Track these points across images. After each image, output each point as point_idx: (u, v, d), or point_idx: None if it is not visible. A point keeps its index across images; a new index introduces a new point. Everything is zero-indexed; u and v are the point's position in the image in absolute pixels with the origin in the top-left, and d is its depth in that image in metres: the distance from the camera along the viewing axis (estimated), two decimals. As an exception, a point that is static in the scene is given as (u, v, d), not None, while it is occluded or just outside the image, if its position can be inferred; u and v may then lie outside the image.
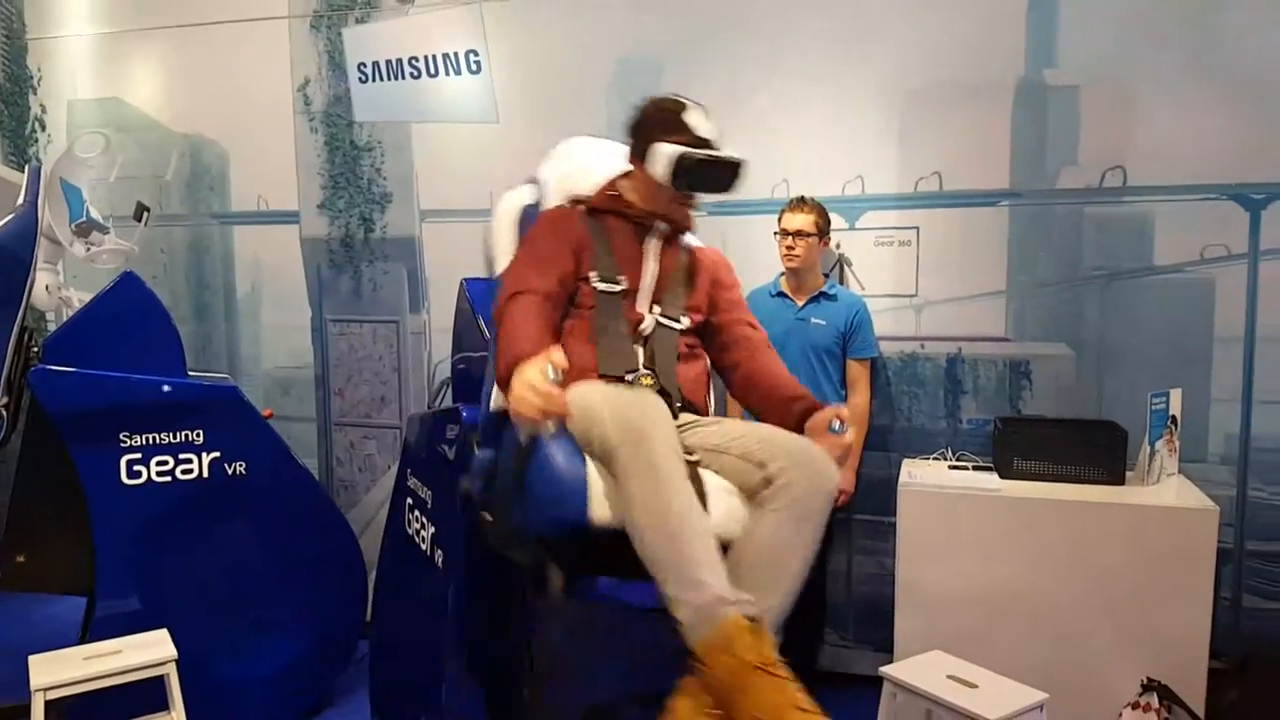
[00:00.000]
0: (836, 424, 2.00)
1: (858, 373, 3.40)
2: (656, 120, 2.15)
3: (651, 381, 2.08)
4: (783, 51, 3.57)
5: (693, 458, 1.92)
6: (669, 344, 2.16)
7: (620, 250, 2.18)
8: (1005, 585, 2.97)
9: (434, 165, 4.02)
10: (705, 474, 1.91)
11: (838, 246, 3.55)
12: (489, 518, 2.08)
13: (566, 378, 1.93)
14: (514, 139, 3.84)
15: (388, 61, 3.99)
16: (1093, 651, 2.89)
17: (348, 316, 4.21)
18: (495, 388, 2.06)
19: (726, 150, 2.14)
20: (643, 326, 2.14)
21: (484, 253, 2.38)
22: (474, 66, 3.89)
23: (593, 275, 2.12)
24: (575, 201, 2.25)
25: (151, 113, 4.38)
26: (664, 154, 2.08)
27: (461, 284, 2.84)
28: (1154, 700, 2.81)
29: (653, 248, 2.21)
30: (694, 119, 2.13)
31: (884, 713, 2.64)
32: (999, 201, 3.43)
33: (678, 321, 2.19)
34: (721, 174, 2.12)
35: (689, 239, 2.34)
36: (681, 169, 2.07)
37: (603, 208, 2.22)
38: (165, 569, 3.13)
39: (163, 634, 2.85)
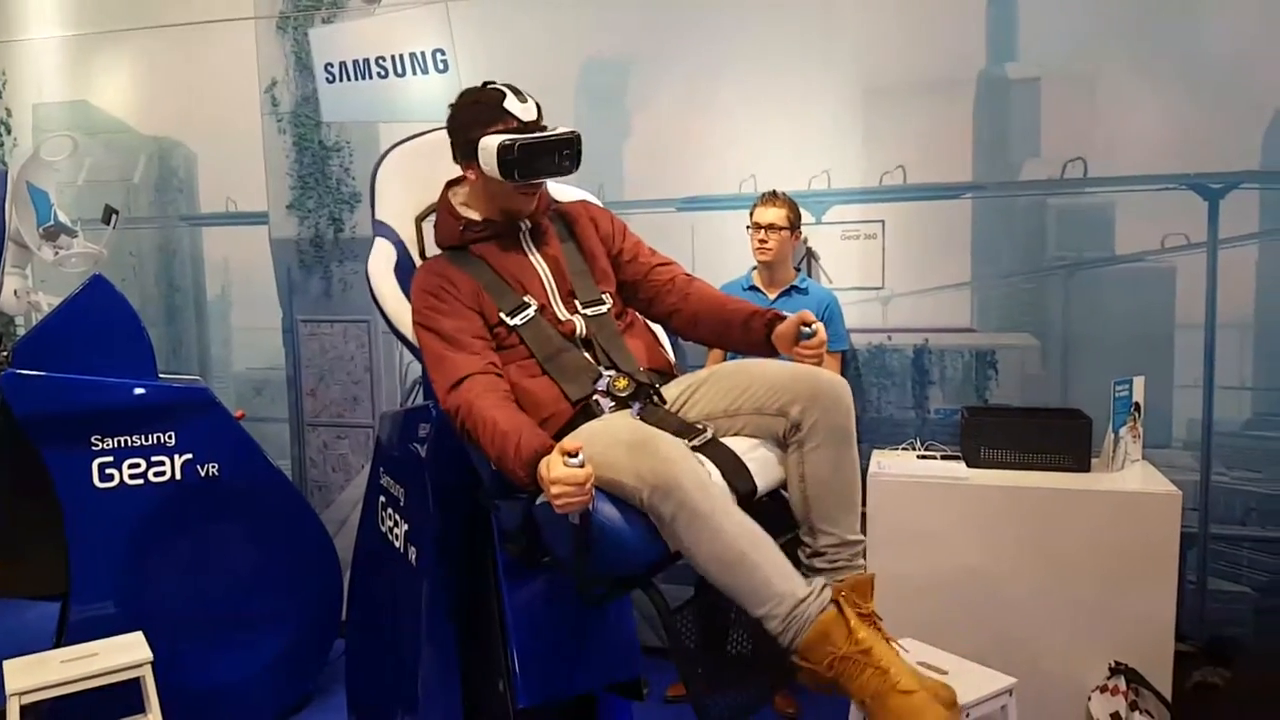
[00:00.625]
0: (805, 329, 1.99)
1: (829, 366, 3.42)
2: (474, 115, 2.05)
3: (625, 383, 2.02)
4: (747, 49, 3.59)
5: (708, 434, 1.93)
6: (609, 332, 2.11)
7: (507, 271, 2.11)
8: (974, 572, 3.01)
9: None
10: (728, 441, 1.92)
11: (805, 241, 3.58)
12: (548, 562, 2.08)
13: (539, 415, 1.96)
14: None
15: (355, 62, 3.98)
16: (1061, 636, 2.94)
17: (319, 317, 4.20)
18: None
19: (557, 127, 2.05)
20: (577, 332, 2.09)
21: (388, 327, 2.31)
22: (441, 65, 3.89)
23: (502, 315, 2.05)
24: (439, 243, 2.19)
25: (119, 115, 4.35)
26: (490, 149, 1.98)
27: None
28: (1121, 683, 2.85)
29: (530, 246, 2.15)
30: (514, 105, 2.02)
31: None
32: (963, 194, 3.47)
33: (602, 304, 2.14)
34: (553, 154, 2.02)
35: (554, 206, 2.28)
36: (510, 159, 1.97)
37: (461, 243, 2.14)
38: (140, 571, 3.12)
39: (138, 636, 2.84)
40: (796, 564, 1.86)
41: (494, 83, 2.09)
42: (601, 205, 2.43)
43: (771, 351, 2.09)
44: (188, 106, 4.24)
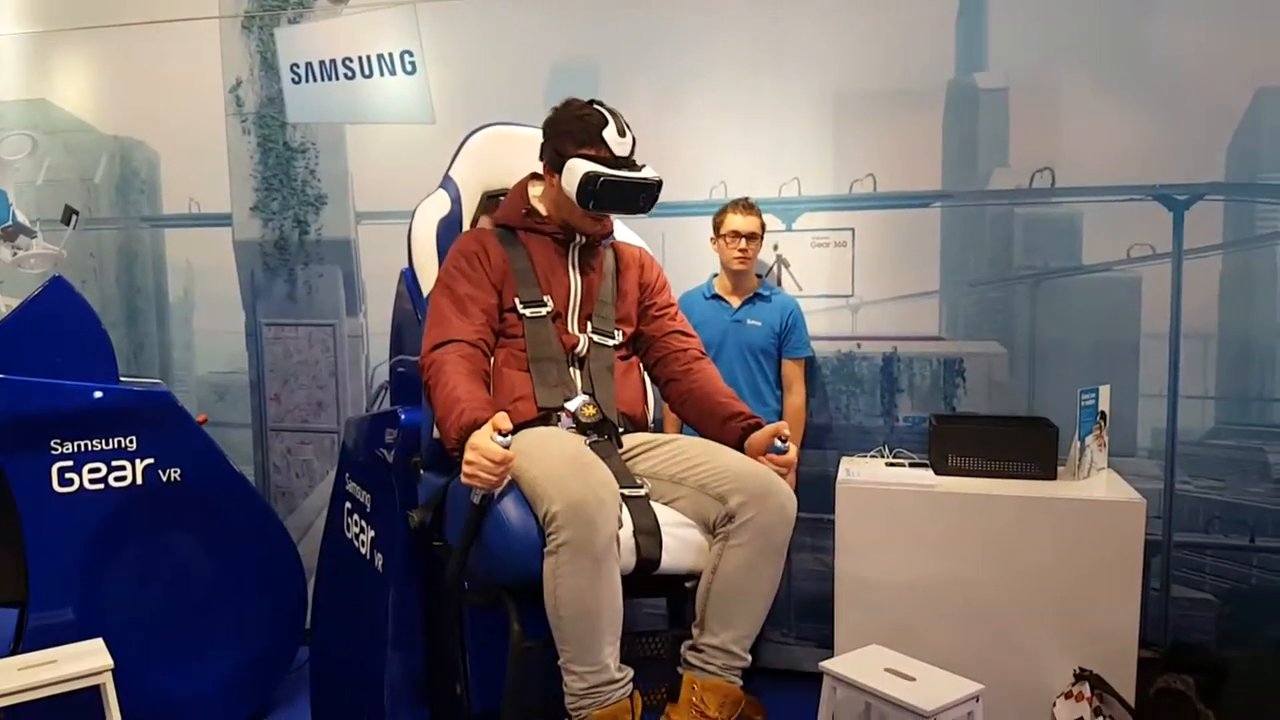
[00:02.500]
0: (778, 443, 2.00)
1: (793, 372, 3.44)
2: (573, 131, 2.09)
3: (593, 411, 2.04)
4: (719, 55, 3.60)
5: (642, 491, 1.93)
6: (605, 364, 2.14)
7: (541, 268, 2.14)
8: (941, 579, 3.02)
9: (369, 166, 3.97)
10: (658, 508, 1.92)
11: (775, 248, 3.58)
12: (439, 548, 2.09)
13: (507, 404, 1.97)
14: (450, 140, 3.76)
15: (321, 62, 3.94)
16: (1026, 642, 2.95)
17: (283, 320, 4.15)
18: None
19: (645, 168, 2.10)
20: (577, 350, 2.12)
21: (409, 266, 2.36)
22: (409, 67, 3.86)
23: (518, 303, 2.09)
24: (489, 212, 2.22)
25: (79, 114, 4.27)
26: (576, 172, 2.02)
27: (401, 275, 2.81)
28: (1086, 689, 2.87)
29: (575, 260, 2.18)
30: (611, 136, 2.06)
31: (824, 707, 2.67)
32: (932, 203, 3.49)
33: (611, 338, 2.17)
34: (634, 196, 2.07)
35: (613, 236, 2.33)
36: (591, 190, 2.01)
37: (517, 225, 2.18)
38: (100, 577, 3.07)
39: (98, 644, 2.79)
40: (673, 654, 1.90)
41: (601, 104, 2.14)
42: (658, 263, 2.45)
43: (740, 450, 2.09)
44: (150, 106, 4.18)
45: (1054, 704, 2.89)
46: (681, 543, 1.90)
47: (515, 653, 1.83)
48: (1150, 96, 3.28)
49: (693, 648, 1.90)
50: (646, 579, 1.90)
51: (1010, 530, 2.97)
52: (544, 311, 2.10)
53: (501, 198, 2.38)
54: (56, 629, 2.92)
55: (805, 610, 3.69)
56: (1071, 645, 2.92)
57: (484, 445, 1.73)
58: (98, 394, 3.05)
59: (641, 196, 2.08)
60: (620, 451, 2.06)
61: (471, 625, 2.13)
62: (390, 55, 3.88)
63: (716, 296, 3.44)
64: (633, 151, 2.11)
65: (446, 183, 2.43)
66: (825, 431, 3.62)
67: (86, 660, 2.68)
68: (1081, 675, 2.89)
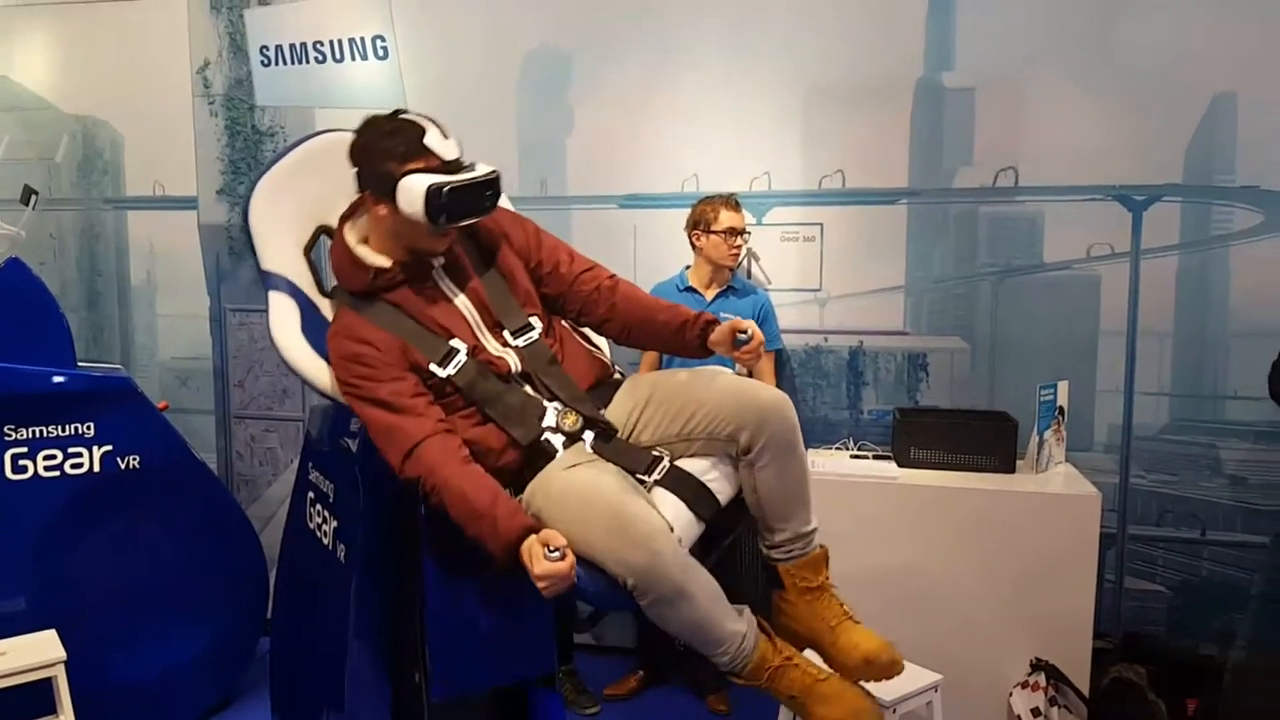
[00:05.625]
0: (742, 335, 1.98)
1: (763, 365, 3.45)
2: (393, 149, 1.87)
3: (573, 419, 1.99)
4: (691, 48, 3.61)
5: (665, 463, 1.99)
6: (544, 359, 2.04)
7: (427, 317, 1.99)
8: (902, 570, 3.06)
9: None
10: (685, 464, 1.99)
11: (747, 241, 3.61)
12: None
13: (492, 467, 1.94)
14: (422, 127, 3.79)
15: (291, 45, 3.90)
16: (985, 633, 3.00)
17: (249, 306, 4.11)
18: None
19: (476, 165, 1.92)
20: (513, 370, 2.01)
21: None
22: (381, 52, 3.83)
23: (433, 367, 1.95)
24: (351, 292, 2.03)
25: (41, 92, 4.19)
26: (416, 190, 1.82)
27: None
28: (1042, 679, 2.92)
29: (447, 285, 2.03)
30: (436, 142, 1.87)
31: (786, 697, 2.70)
32: (899, 200, 3.53)
33: (531, 329, 2.06)
34: (481, 197, 1.90)
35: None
36: (439, 203, 1.83)
37: (369, 291, 1.99)
38: (54, 567, 3.03)
39: (51, 635, 2.76)
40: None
41: (406, 112, 1.95)
42: (510, 209, 2.25)
43: (707, 354, 2.09)
44: (115, 85, 4.11)
45: (1010, 693, 2.95)
46: (722, 480, 1.99)
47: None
48: (1112, 100, 3.34)
49: (770, 548, 2.02)
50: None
51: (970, 522, 3.02)
52: (461, 358, 1.97)
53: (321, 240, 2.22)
54: (8, 619, 2.88)
55: (770, 602, 3.72)
56: (1028, 636, 2.98)
57: (548, 570, 1.74)
58: (55, 379, 3.01)
59: (487, 195, 1.91)
60: (620, 436, 2.05)
61: (434, 617, 2.12)
62: (362, 39, 3.85)
63: (690, 289, 3.45)
64: (461, 153, 1.93)
65: (269, 280, 2.23)
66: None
67: (38, 652, 2.65)
68: (1038, 665, 2.94)
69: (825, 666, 1.96)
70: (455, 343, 1.98)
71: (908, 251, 3.55)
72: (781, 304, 3.56)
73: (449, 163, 1.88)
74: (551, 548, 1.74)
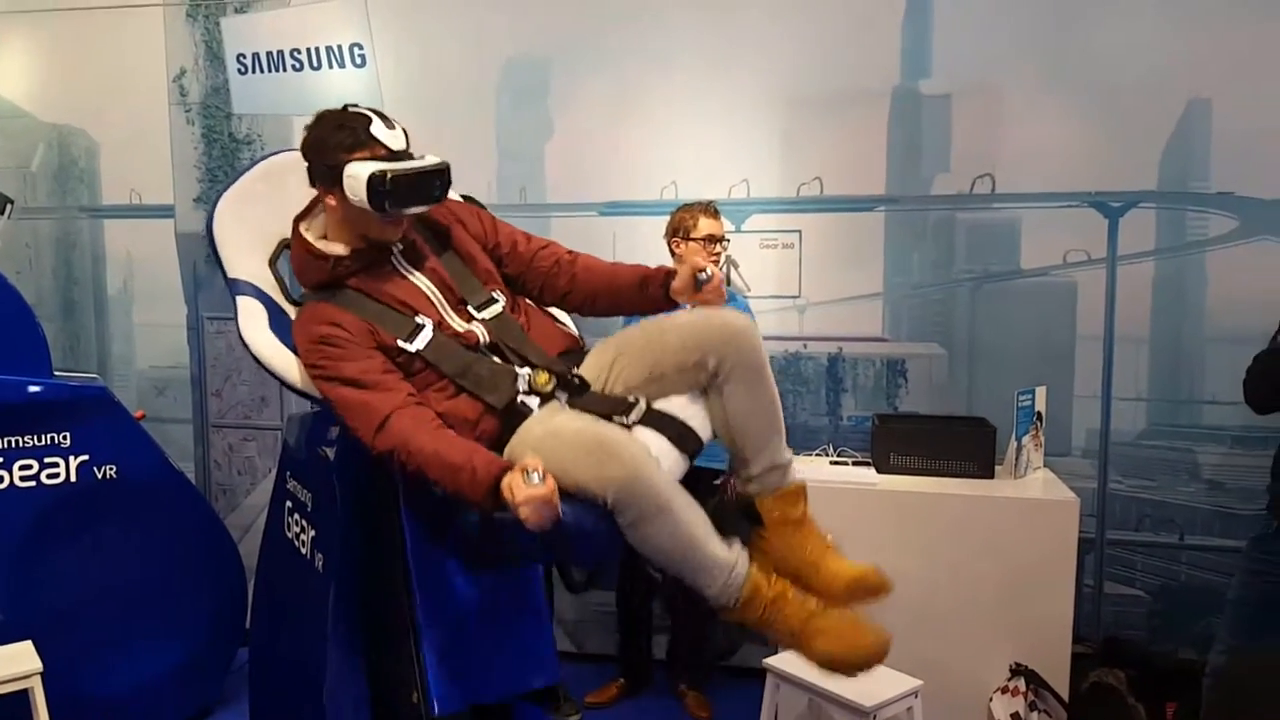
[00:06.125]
0: (701, 275, 1.99)
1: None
2: (340, 140, 1.92)
3: (546, 378, 1.99)
4: (670, 56, 3.62)
5: (641, 405, 1.94)
6: (512, 329, 2.07)
7: (390, 298, 2.01)
8: (882, 576, 3.06)
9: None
10: (662, 405, 1.95)
11: (726, 248, 3.61)
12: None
13: (471, 437, 1.93)
14: (400, 136, 3.79)
15: (269, 53, 3.88)
16: (965, 638, 3.01)
17: (226, 314, 4.03)
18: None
19: (425, 157, 1.96)
20: (481, 341, 2.03)
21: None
22: (359, 60, 3.82)
23: (399, 343, 1.97)
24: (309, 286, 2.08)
25: (16, 100, 4.16)
26: (359, 177, 1.87)
27: None
28: (1022, 684, 2.94)
29: (406, 267, 2.06)
30: (381, 131, 1.92)
31: (767, 703, 2.71)
32: (877, 207, 3.55)
33: (495, 303, 2.08)
34: (426, 184, 1.94)
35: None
36: (382, 189, 1.87)
37: (331, 282, 2.02)
38: (30, 577, 3.00)
39: (27, 646, 2.73)
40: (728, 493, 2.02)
41: (357, 106, 1.99)
42: (460, 199, 2.30)
43: (672, 306, 2.09)
44: (91, 93, 4.08)
45: (990, 699, 2.96)
46: (699, 416, 1.95)
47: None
48: (1088, 107, 3.37)
49: (748, 481, 1.97)
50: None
51: (949, 528, 3.03)
52: (428, 333, 1.98)
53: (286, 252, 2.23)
54: (-15, 630, 2.84)
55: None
56: (1008, 641, 2.99)
57: (530, 492, 1.69)
58: (31, 388, 2.98)
59: (435, 184, 1.96)
60: (594, 391, 2.03)
61: (428, 628, 2.10)
62: (340, 47, 3.83)
63: (670, 296, 3.45)
64: (408, 144, 1.96)
65: (236, 287, 2.27)
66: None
67: (14, 664, 2.62)
68: (1017, 670, 2.96)
69: (817, 601, 1.90)
70: (421, 319, 1.99)
71: (886, 258, 3.56)
72: (761, 311, 3.56)
73: (395, 152, 1.92)
74: (530, 470, 1.70)
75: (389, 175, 1.87)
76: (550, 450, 1.82)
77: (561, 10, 3.72)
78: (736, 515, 1.98)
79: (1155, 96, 3.29)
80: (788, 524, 1.95)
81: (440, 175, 1.95)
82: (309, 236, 2.06)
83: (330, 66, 3.85)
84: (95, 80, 4.07)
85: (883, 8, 3.47)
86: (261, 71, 3.91)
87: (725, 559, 1.81)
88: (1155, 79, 3.28)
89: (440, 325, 2.01)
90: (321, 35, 3.85)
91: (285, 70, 3.89)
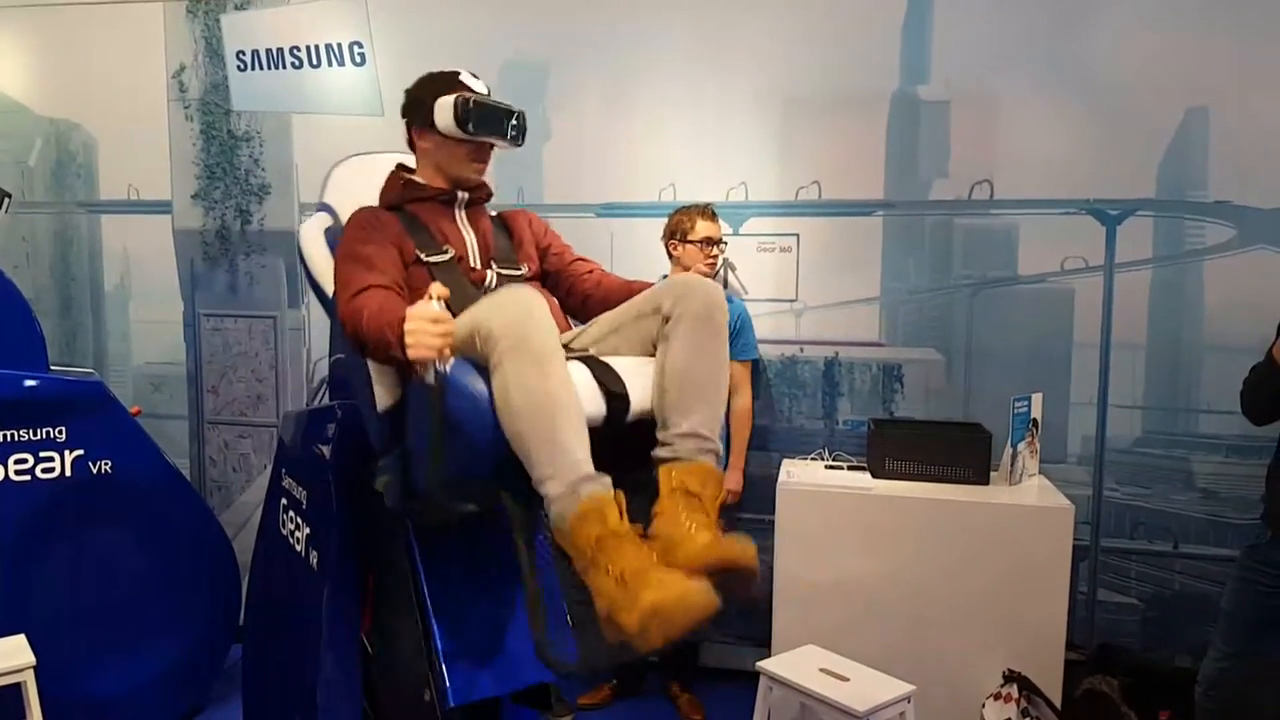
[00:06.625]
0: None
1: (740, 374, 3.46)
2: (431, 86, 2.17)
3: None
4: (669, 59, 3.62)
5: (589, 352, 1.95)
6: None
7: (434, 225, 2.17)
8: (876, 580, 3.07)
9: (315, 157, 3.92)
10: (610, 360, 1.91)
11: (724, 251, 3.62)
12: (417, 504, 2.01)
13: None
14: (398, 133, 3.75)
15: (268, 50, 3.89)
16: (958, 644, 3.02)
17: (223, 311, 4.08)
18: (381, 388, 2.03)
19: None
20: (488, 283, 2.13)
21: (309, 283, 2.34)
22: (358, 58, 3.82)
23: (420, 254, 2.09)
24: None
25: (14, 95, 4.16)
26: (447, 103, 2.10)
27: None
28: (1014, 691, 2.93)
29: (462, 217, 2.21)
30: (468, 79, 2.18)
31: (760, 706, 2.70)
32: (874, 211, 3.55)
33: (518, 270, 2.20)
34: (504, 120, 2.17)
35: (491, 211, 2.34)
36: (466, 111, 2.09)
37: (399, 201, 2.20)
38: (24, 572, 3.00)
39: (20, 640, 2.73)
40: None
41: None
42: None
43: None
44: (89, 89, 4.08)
45: (983, 705, 2.95)
46: (643, 380, 1.89)
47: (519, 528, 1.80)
48: (1087, 114, 3.37)
49: (661, 444, 1.84)
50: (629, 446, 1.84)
51: (944, 533, 3.03)
52: (447, 256, 2.12)
53: None
54: (-23, 624, 2.84)
55: (745, 610, 3.72)
56: (1001, 647, 2.99)
57: (419, 309, 1.70)
58: (27, 383, 2.98)
59: (510, 124, 2.17)
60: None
61: (439, 620, 2.10)
62: (339, 46, 3.84)
63: (665, 299, 3.45)
64: (489, 95, 2.19)
65: (323, 206, 2.43)
66: (767, 434, 3.66)
67: (7, 657, 2.62)
68: (1010, 677, 2.95)
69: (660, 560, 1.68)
70: (447, 248, 2.13)
71: (883, 263, 3.57)
72: (758, 314, 3.57)
73: (478, 94, 2.15)
74: (434, 296, 1.71)
75: (472, 100, 2.10)
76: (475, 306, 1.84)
77: (560, 12, 3.72)
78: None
79: (1154, 105, 3.29)
80: (679, 494, 1.75)
81: (515, 117, 2.18)
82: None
83: (330, 64, 3.85)
84: (94, 75, 4.08)
85: (882, 13, 3.47)
86: (261, 69, 3.91)
87: (578, 462, 1.68)
88: (1154, 87, 3.29)
89: (460, 260, 2.13)
90: (321, 33, 3.85)
91: (285, 68, 3.89)
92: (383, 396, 2.03)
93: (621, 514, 1.66)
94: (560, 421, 1.69)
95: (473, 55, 3.72)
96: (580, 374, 1.83)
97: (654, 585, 1.54)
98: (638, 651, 1.57)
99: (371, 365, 2.04)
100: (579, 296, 2.29)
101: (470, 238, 2.19)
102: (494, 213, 2.34)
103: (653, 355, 1.92)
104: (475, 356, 1.78)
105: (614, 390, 1.85)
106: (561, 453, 1.68)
